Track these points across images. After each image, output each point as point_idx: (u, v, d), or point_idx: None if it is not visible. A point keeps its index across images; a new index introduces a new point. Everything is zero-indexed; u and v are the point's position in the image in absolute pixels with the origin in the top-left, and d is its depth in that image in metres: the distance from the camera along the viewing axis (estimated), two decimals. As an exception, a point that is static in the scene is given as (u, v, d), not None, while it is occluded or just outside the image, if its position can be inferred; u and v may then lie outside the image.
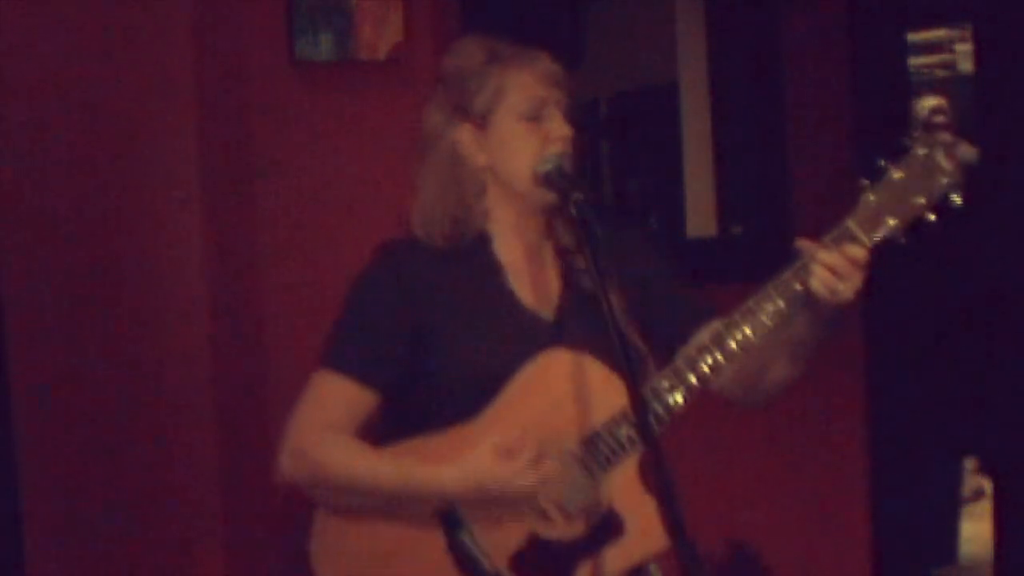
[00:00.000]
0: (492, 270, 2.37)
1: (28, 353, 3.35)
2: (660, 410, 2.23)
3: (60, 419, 3.36)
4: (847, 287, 2.17)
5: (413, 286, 2.33)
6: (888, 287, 4.48)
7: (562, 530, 2.26)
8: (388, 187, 3.61)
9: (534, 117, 2.31)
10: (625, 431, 2.23)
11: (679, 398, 2.24)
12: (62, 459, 3.37)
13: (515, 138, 2.32)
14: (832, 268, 2.16)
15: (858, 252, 2.17)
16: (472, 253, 2.37)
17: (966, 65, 6.96)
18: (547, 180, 2.29)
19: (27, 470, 3.35)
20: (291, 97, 3.56)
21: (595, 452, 2.25)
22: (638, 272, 2.38)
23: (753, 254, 4.33)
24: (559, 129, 2.32)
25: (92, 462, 3.38)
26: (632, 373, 2.10)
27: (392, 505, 2.29)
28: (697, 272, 4.04)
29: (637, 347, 2.31)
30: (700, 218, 4.63)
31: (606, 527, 2.26)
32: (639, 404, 2.10)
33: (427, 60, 3.63)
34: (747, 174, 4.52)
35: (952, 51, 7.39)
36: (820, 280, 2.17)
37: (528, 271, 2.38)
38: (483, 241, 2.38)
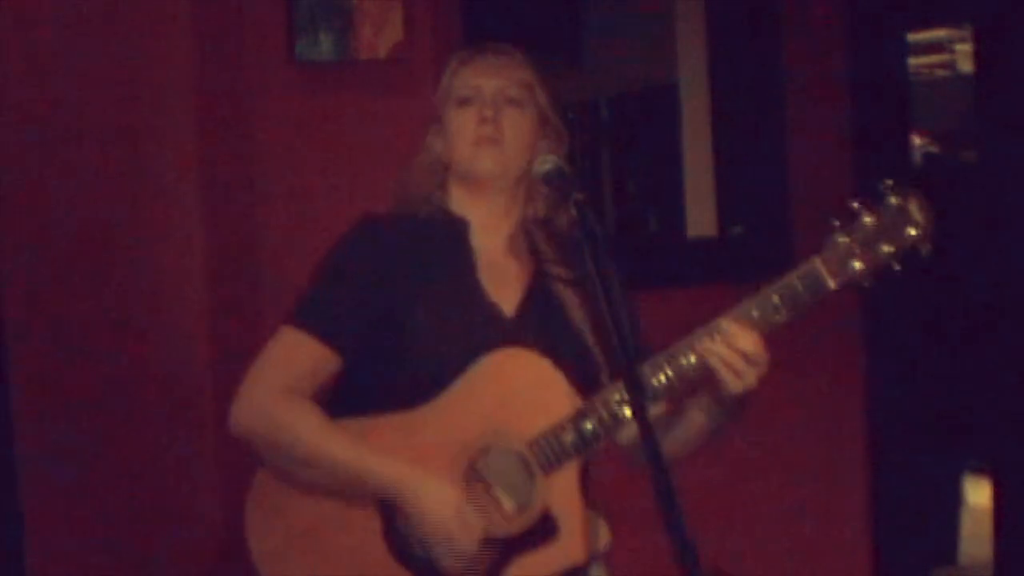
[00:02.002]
0: (464, 258, 2.40)
1: (28, 353, 3.35)
2: (608, 421, 2.26)
3: (60, 419, 3.36)
4: (752, 371, 2.22)
5: (388, 259, 2.37)
6: (888, 287, 4.48)
7: (502, 526, 2.28)
8: (388, 187, 3.61)
9: (466, 102, 2.40)
10: (570, 437, 2.26)
11: (628, 411, 2.25)
12: (62, 459, 3.37)
13: (454, 123, 2.41)
14: (743, 344, 2.21)
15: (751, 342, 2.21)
16: (450, 237, 2.41)
17: (966, 65, 6.96)
18: (546, 179, 2.30)
19: (27, 470, 3.35)
20: (291, 97, 3.56)
21: (539, 454, 2.26)
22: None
23: (753, 254, 4.33)
24: (484, 110, 2.38)
25: (92, 462, 3.38)
26: (630, 365, 2.12)
27: (333, 484, 2.31)
28: (697, 272, 4.05)
29: (596, 358, 2.36)
30: (700, 218, 4.63)
31: (540, 529, 2.28)
32: (636, 395, 2.11)
33: (427, 60, 3.64)
34: (747, 174, 4.52)
35: (952, 51, 7.39)
36: (728, 355, 2.21)
37: (498, 265, 2.41)
38: (463, 228, 2.42)
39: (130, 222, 3.41)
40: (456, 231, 2.42)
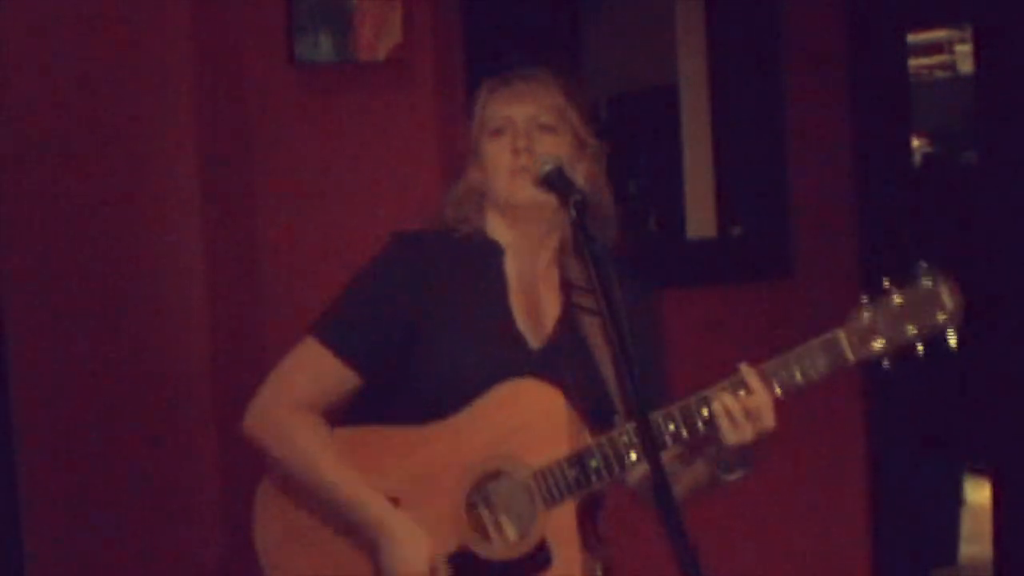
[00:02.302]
0: (497, 283, 2.40)
1: (28, 353, 3.35)
2: (612, 460, 2.26)
3: (60, 419, 3.36)
4: (748, 431, 2.22)
5: (419, 280, 2.37)
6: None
7: (498, 551, 2.29)
8: (388, 188, 3.62)
9: (500, 131, 2.38)
10: (574, 472, 2.26)
11: (635, 456, 2.25)
12: (62, 459, 3.37)
13: (489, 154, 2.39)
14: (733, 412, 2.21)
15: (760, 401, 2.22)
16: (485, 261, 2.41)
17: (966, 66, 6.97)
18: (546, 181, 2.29)
19: (27, 470, 3.35)
20: (291, 98, 3.56)
21: (542, 486, 2.27)
22: (631, 324, 2.37)
23: (753, 255, 4.33)
24: (518, 140, 2.36)
25: (92, 462, 3.38)
26: (634, 383, 2.11)
27: (324, 501, 2.35)
28: (697, 273, 4.05)
29: (612, 397, 2.35)
30: (700, 219, 4.63)
31: (534, 558, 2.28)
32: (642, 419, 2.11)
33: (426, 61, 3.64)
34: (747, 175, 4.52)
35: (952, 52, 7.40)
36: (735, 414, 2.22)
37: (529, 295, 2.41)
38: (497, 253, 2.42)
39: (130, 222, 3.41)
40: (491, 255, 2.41)
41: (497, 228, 2.42)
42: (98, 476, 3.38)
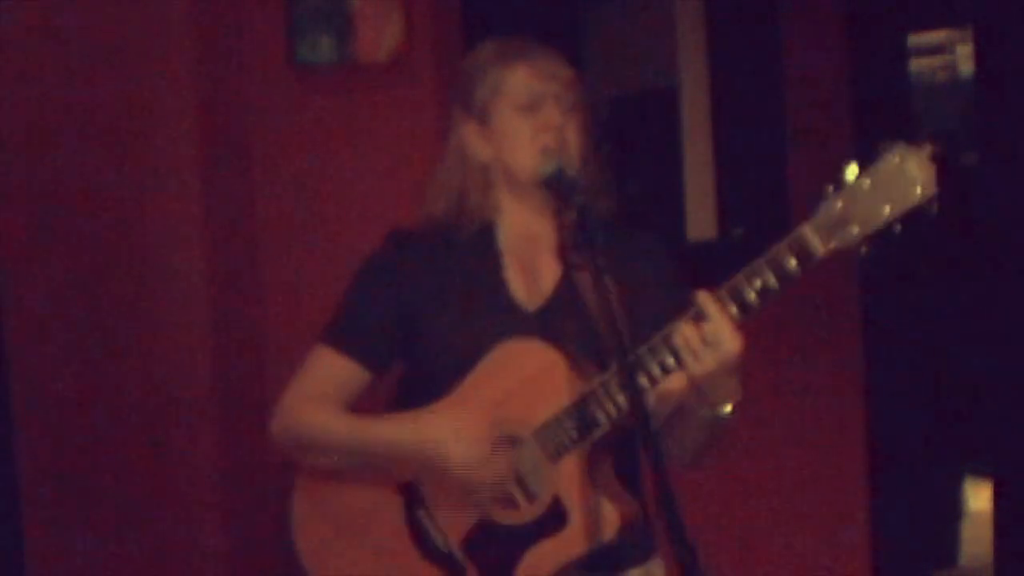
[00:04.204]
0: (491, 259, 2.41)
1: (28, 353, 3.35)
2: (607, 406, 2.24)
3: (60, 419, 3.36)
4: (719, 357, 2.15)
5: (412, 273, 2.40)
6: (888, 288, 4.49)
7: (513, 516, 2.29)
8: (388, 189, 3.62)
9: (530, 108, 2.35)
10: (573, 424, 2.25)
11: (622, 400, 2.23)
12: (62, 459, 3.37)
13: (512, 129, 2.36)
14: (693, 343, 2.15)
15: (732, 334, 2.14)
16: (476, 241, 2.41)
17: (966, 67, 6.96)
18: (548, 183, 2.30)
19: (27, 470, 3.35)
20: (291, 100, 3.57)
21: (544, 442, 2.27)
22: (637, 274, 2.38)
23: (753, 256, 4.32)
24: (553, 118, 2.34)
25: (92, 462, 3.38)
26: (630, 374, 2.12)
27: (358, 464, 2.38)
28: (697, 274, 4.05)
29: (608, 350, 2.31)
30: (700, 220, 4.63)
31: (551, 517, 2.28)
32: (637, 400, 2.11)
33: (427, 62, 3.64)
34: (747, 176, 4.52)
35: (953, 53, 7.38)
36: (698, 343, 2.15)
37: (526, 264, 2.41)
38: (488, 229, 2.42)
39: (130, 223, 3.41)
40: (482, 233, 2.42)
41: (501, 200, 2.41)
42: (98, 476, 3.38)
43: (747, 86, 4.48)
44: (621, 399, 2.23)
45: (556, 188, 2.28)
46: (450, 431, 2.28)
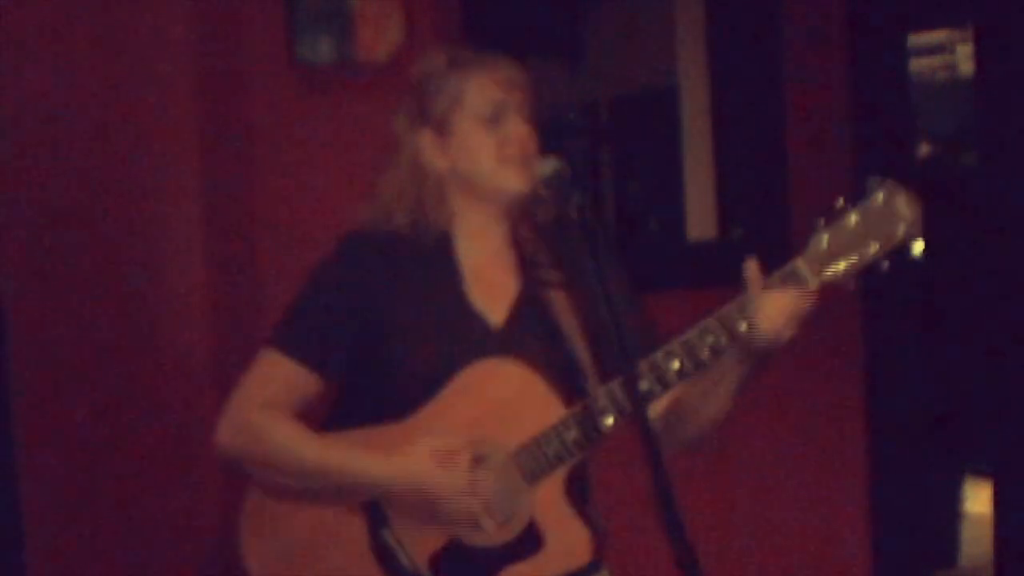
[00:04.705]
0: (449, 272, 2.36)
1: (28, 353, 3.35)
2: (589, 430, 2.24)
3: (60, 419, 3.36)
4: (790, 329, 2.17)
5: (371, 278, 2.34)
6: (888, 288, 4.49)
7: (485, 538, 2.27)
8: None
9: (492, 119, 2.33)
10: (554, 447, 2.24)
11: (609, 421, 2.23)
12: (62, 459, 3.37)
13: (476, 142, 2.33)
14: (780, 310, 2.15)
15: (804, 296, 2.16)
16: (433, 253, 2.37)
17: (966, 67, 6.96)
18: (547, 183, 2.27)
19: (27, 470, 3.35)
20: (291, 100, 3.56)
21: (523, 464, 2.25)
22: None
23: (753, 257, 4.33)
24: (516, 130, 2.33)
25: (92, 462, 3.38)
26: (631, 373, 2.11)
27: (321, 490, 2.30)
28: (697, 275, 4.05)
29: (583, 366, 2.32)
30: (700, 220, 4.64)
31: (525, 540, 2.26)
32: (640, 408, 2.11)
33: (427, 62, 3.63)
34: (747, 176, 4.52)
35: (953, 53, 7.39)
36: (767, 320, 2.16)
37: (486, 276, 2.38)
38: (445, 241, 2.38)
39: (130, 223, 3.41)
40: (439, 244, 2.37)
41: (457, 210, 2.37)
42: (98, 476, 3.38)
43: (747, 86, 4.48)
44: (603, 422, 2.22)
45: (556, 188, 2.25)
46: (431, 462, 2.23)
